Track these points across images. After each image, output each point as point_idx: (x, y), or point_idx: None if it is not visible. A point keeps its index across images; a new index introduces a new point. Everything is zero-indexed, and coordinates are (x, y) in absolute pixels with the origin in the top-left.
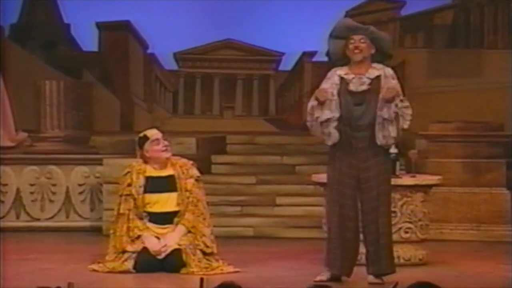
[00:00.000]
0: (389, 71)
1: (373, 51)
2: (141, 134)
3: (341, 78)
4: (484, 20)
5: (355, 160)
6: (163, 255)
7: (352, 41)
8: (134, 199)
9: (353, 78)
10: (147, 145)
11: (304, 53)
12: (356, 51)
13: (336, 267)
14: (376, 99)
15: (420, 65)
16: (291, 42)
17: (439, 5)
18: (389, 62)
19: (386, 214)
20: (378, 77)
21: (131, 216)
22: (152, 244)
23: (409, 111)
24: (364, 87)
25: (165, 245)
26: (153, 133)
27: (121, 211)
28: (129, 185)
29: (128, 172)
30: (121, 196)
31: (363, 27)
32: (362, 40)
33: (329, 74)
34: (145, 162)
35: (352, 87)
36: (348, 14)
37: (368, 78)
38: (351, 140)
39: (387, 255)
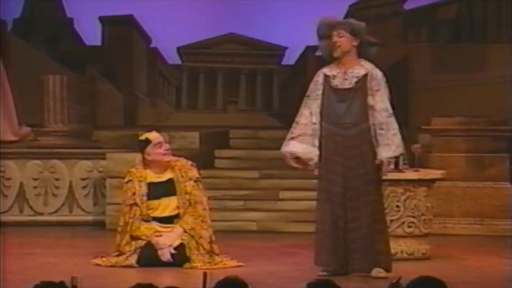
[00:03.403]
0: (378, 73)
1: (355, 43)
2: (143, 137)
3: (325, 76)
4: (488, 15)
5: (341, 157)
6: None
7: (332, 37)
8: (139, 207)
9: (338, 73)
10: (149, 148)
11: (307, 48)
12: (335, 46)
13: (330, 266)
14: (360, 98)
15: (424, 60)
16: (294, 36)
17: (442, 0)
18: (377, 49)
19: (374, 213)
20: (365, 75)
21: (137, 224)
22: (163, 253)
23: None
24: (348, 85)
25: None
26: (155, 136)
27: (127, 220)
28: (134, 193)
29: (130, 180)
30: (126, 205)
31: (342, 21)
32: (340, 34)
33: (316, 75)
34: (145, 165)
35: (336, 82)
36: (351, 9)
37: (354, 76)
38: (336, 138)
39: (381, 251)
